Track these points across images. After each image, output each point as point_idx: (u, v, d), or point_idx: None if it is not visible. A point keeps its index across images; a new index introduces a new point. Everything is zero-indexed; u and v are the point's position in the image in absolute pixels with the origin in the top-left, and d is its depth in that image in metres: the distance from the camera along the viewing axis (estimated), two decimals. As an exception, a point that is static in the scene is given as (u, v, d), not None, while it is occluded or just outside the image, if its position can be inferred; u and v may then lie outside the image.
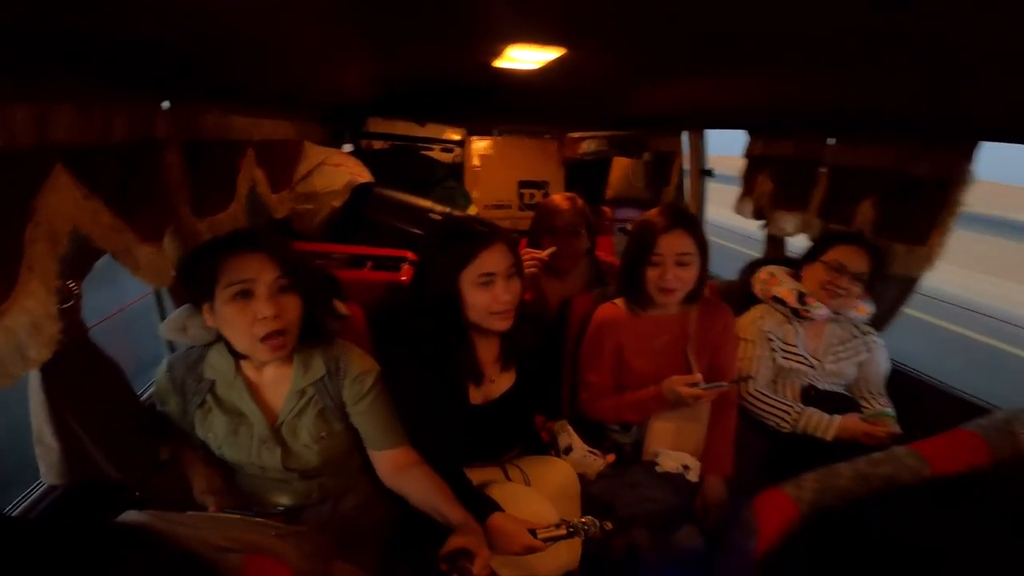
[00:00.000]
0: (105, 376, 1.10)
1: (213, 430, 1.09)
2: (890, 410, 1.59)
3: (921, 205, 1.52)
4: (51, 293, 0.86)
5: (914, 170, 1.50)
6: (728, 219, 2.40)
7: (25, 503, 1.15)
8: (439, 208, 2.03)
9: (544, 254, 1.65)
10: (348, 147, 3.00)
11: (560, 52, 1.43)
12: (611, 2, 0.97)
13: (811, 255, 1.67)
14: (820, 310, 1.59)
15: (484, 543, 0.97)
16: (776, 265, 1.76)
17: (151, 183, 1.14)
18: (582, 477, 1.33)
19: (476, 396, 1.25)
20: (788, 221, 2.04)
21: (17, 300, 0.80)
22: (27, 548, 0.51)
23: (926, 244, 1.53)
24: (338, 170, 2.26)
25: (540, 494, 1.17)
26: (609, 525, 1.20)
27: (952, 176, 1.43)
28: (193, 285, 1.04)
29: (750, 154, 2.17)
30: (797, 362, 1.62)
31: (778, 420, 1.53)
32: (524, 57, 1.53)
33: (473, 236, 1.12)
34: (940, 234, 1.51)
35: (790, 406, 1.52)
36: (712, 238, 1.55)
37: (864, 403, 1.66)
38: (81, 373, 1.05)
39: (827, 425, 1.47)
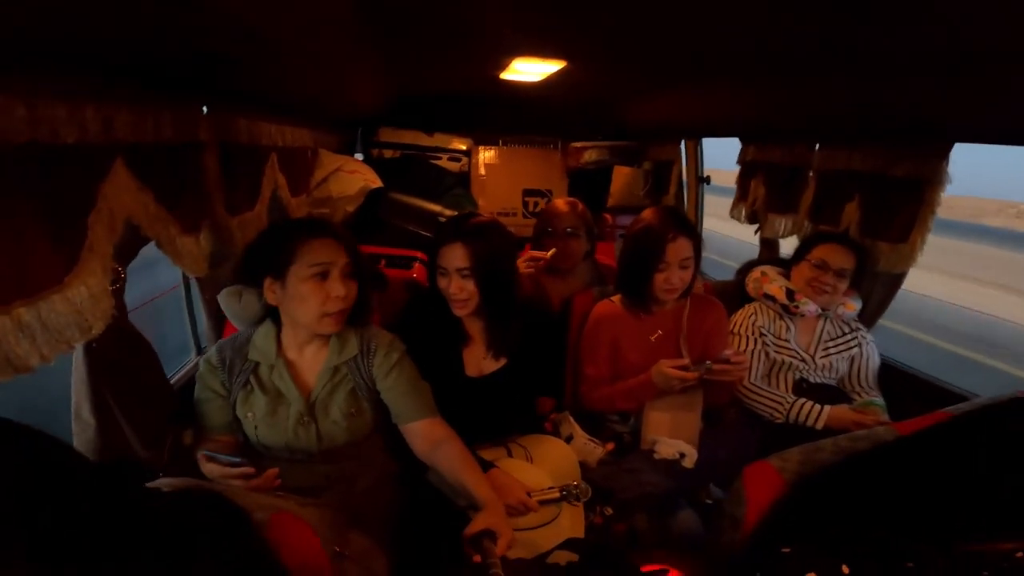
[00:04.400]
0: (141, 357, 1.20)
1: (253, 409, 1.17)
2: (879, 400, 1.66)
3: (901, 205, 1.62)
4: (107, 272, 0.96)
5: (893, 172, 1.61)
6: (730, 231, 2.50)
7: None
8: (448, 212, 2.14)
9: (546, 255, 1.75)
10: (360, 155, 3.14)
11: (561, 64, 1.56)
12: (608, 21, 1.09)
13: (798, 255, 1.78)
14: (808, 306, 1.68)
15: (508, 524, 1.00)
16: (768, 265, 1.87)
17: (192, 180, 1.25)
18: (583, 465, 1.40)
19: (471, 369, 1.39)
20: (780, 224, 2.14)
21: (79, 275, 0.89)
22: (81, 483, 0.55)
23: (907, 242, 1.63)
24: (352, 176, 2.38)
25: (541, 469, 1.25)
26: (609, 510, 1.28)
27: (928, 176, 1.54)
28: (265, 261, 1.14)
29: (743, 160, 2.28)
30: (789, 356, 1.71)
31: (771, 411, 1.60)
32: (528, 69, 1.66)
33: (441, 231, 1.32)
34: (920, 232, 1.61)
35: (782, 398, 1.60)
36: (713, 256, 1.65)
37: (856, 397, 1.73)
38: (121, 352, 1.14)
39: (817, 414, 1.55)
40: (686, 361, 1.41)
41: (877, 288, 1.82)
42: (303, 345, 1.19)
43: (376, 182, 2.43)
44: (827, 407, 1.55)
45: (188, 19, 0.90)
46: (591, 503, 1.28)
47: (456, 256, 1.27)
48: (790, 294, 1.71)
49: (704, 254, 1.57)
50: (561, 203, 1.88)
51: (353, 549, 1.02)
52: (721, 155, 2.77)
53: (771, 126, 2.00)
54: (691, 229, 1.48)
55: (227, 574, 0.60)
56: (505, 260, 1.35)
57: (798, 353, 1.71)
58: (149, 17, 0.82)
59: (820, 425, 1.54)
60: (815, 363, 1.71)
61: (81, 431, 1.14)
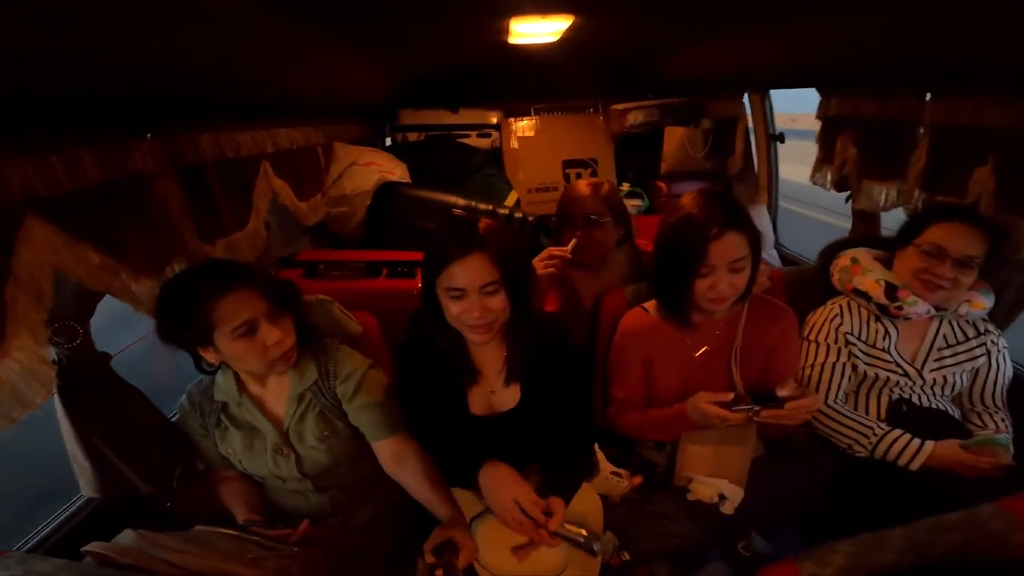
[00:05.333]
0: (124, 400, 1.18)
1: (232, 446, 1.18)
2: (1004, 436, 1.28)
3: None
4: (41, 342, 0.89)
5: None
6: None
7: (69, 511, 1.26)
8: (462, 202, 1.91)
9: (565, 251, 1.48)
10: (389, 141, 2.95)
11: (568, 20, 1.24)
12: None
13: (904, 235, 1.34)
14: (916, 306, 1.29)
15: (470, 536, 1.00)
16: (862, 248, 1.45)
17: (144, 217, 1.13)
18: (606, 499, 1.22)
19: (478, 406, 1.17)
20: (880, 193, 1.68)
21: (8, 352, 0.83)
22: None
23: (1067, 221, 1.17)
24: (368, 169, 2.20)
25: None
26: (627, 555, 1.15)
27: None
28: (184, 334, 1.04)
29: (824, 115, 1.81)
30: (886, 369, 1.34)
31: (851, 442, 1.28)
32: (532, 30, 1.35)
33: (447, 246, 1.03)
34: (1088, 208, 1.14)
35: (869, 427, 1.27)
36: (788, 205, 1.30)
37: (975, 420, 1.36)
38: (100, 399, 1.11)
39: (915, 451, 1.21)
40: (730, 396, 1.13)
41: (1015, 279, 1.36)
42: (263, 379, 1.17)
43: (394, 173, 2.24)
44: (929, 443, 1.21)
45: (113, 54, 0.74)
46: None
47: (477, 270, 1.01)
48: (890, 290, 1.31)
49: (782, 204, 1.22)
50: (581, 185, 1.58)
51: None
52: (799, 94, 2.25)
53: (862, 72, 1.53)
54: (743, 220, 1.14)
55: None
56: (527, 263, 1.17)
57: (899, 366, 1.34)
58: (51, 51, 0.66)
59: (916, 466, 1.21)
60: (923, 378, 1.33)
61: (81, 472, 1.16)
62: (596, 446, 1.29)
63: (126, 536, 0.99)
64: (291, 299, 1.13)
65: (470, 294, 1.03)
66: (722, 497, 1.19)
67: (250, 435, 1.17)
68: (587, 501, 1.18)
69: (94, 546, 0.94)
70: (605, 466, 1.28)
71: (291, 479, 1.17)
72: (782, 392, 1.08)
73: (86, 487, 1.17)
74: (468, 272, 1.01)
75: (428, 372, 1.15)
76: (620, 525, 1.19)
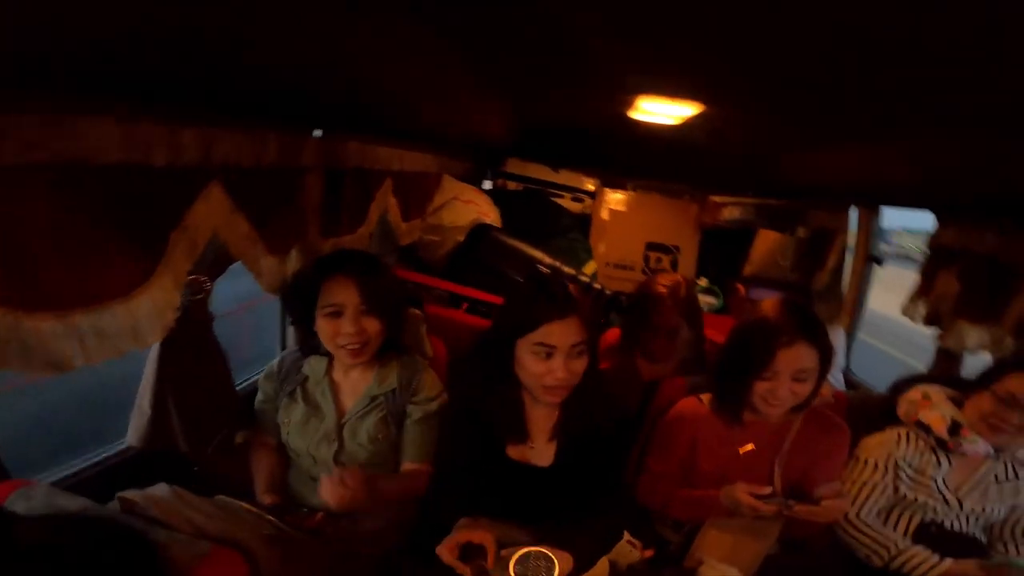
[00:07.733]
0: (212, 366, 1.27)
1: (291, 416, 1.26)
2: (1022, 560, 1.29)
3: None
4: (178, 286, 0.98)
5: None
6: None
7: (103, 455, 1.29)
8: (548, 260, 1.99)
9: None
10: (488, 184, 3.14)
11: (697, 108, 1.32)
12: (755, 57, 0.85)
13: (981, 380, 1.36)
14: (975, 445, 1.30)
15: (487, 532, 0.99)
16: (936, 386, 1.45)
17: (289, 203, 1.29)
18: (613, 564, 1.17)
19: (513, 452, 1.17)
20: (972, 335, 1.61)
21: (148, 289, 0.92)
22: None
23: None
24: (467, 207, 2.37)
25: None
26: None
27: None
28: (303, 301, 1.20)
29: (936, 244, 1.76)
30: (926, 496, 1.35)
31: (870, 552, 1.30)
32: (658, 110, 1.44)
33: (547, 304, 1.03)
34: None
35: (892, 543, 1.29)
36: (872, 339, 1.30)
37: (1000, 548, 1.35)
38: (192, 355, 1.21)
39: (930, 567, 1.24)
40: (768, 490, 1.16)
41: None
42: (348, 370, 1.26)
43: (489, 215, 2.39)
44: (947, 561, 1.24)
45: (302, 70, 0.90)
46: None
47: (572, 332, 1.03)
48: (954, 428, 1.32)
49: (874, 341, 1.22)
50: (661, 288, 1.59)
51: None
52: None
53: (987, 199, 1.51)
54: (817, 335, 1.16)
55: None
56: (596, 335, 1.14)
57: (941, 495, 1.34)
58: (257, 58, 0.82)
59: None
60: (961, 508, 1.34)
61: (138, 417, 1.23)
62: None
63: (160, 488, 0.99)
64: (387, 307, 1.18)
65: (558, 355, 1.03)
66: None
67: (311, 413, 1.25)
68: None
69: (129, 493, 0.96)
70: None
71: (324, 465, 1.22)
72: (822, 492, 1.11)
73: (133, 435, 1.23)
74: (564, 332, 1.02)
75: (472, 412, 1.16)
76: None
